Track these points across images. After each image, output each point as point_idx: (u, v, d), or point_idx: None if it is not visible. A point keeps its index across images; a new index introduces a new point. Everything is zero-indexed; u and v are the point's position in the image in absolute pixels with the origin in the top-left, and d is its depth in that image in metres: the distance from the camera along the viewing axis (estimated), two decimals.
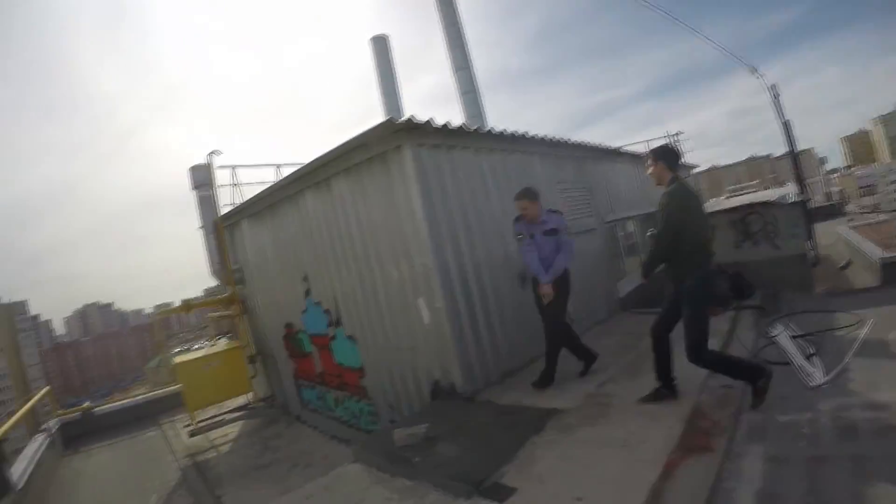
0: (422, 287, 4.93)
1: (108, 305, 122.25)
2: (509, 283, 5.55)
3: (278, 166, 9.74)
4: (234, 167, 9.74)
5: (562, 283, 4.74)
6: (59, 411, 9.82)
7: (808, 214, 11.21)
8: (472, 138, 5.53)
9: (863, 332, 4.65)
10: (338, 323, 6.32)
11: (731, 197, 20.44)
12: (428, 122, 4.76)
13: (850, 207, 38.38)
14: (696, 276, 3.64)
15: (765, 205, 8.65)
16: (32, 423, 9.74)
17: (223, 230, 8.82)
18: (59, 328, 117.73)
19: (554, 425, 3.84)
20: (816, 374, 3.89)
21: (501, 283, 5.49)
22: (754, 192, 23.24)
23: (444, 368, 4.97)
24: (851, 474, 2.61)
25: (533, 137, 6.42)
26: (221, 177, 9.36)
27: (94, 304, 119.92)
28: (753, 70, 12.35)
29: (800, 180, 12.97)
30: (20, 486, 6.14)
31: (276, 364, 8.57)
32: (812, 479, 2.63)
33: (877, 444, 2.82)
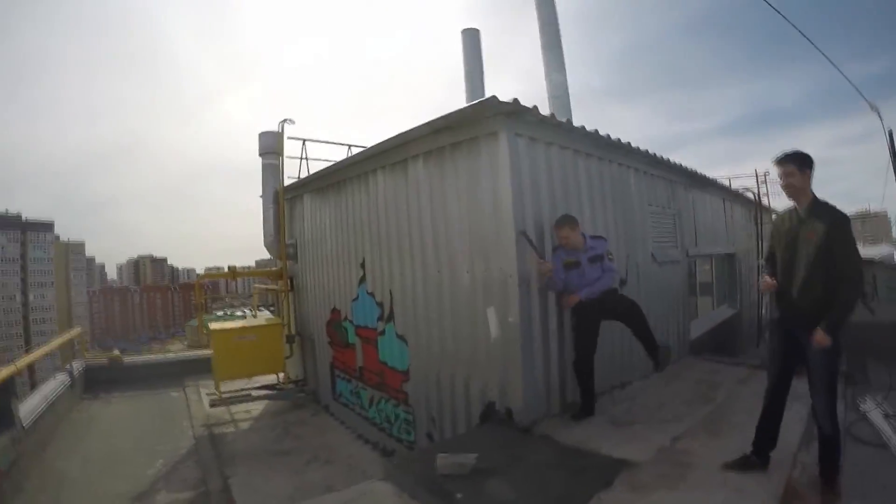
0: (496, 296, 4.32)
1: (162, 260, 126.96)
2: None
3: (350, 146, 9.34)
4: (304, 140, 9.41)
5: (595, 309, 4.39)
6: (88, 353, 9.80)
7: None
8: (573, 137, 4.93)
9: None
10: (389, 318, 5.78)
11: None
12: (534, 108, 4.17)
13: None
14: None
15: (866, 262, 7.75)
16: (69, 358, 9.74)
17: (283, 201, 8.52)
18: (112, 273, 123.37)
19: (625, 480, 3.25)
20: None
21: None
22: None
23: (504, 391, 4.34)
24: None
25: (634, 148, 5.74)
26: (291, 149, 9.03)
27: (147, 257, 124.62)
28: (874, 107, 11.20)
29: None
30: (28, 423, 5.94)
31: (313, 348, 8.18)
32: None
33: None
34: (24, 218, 76.63)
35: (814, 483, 3.08)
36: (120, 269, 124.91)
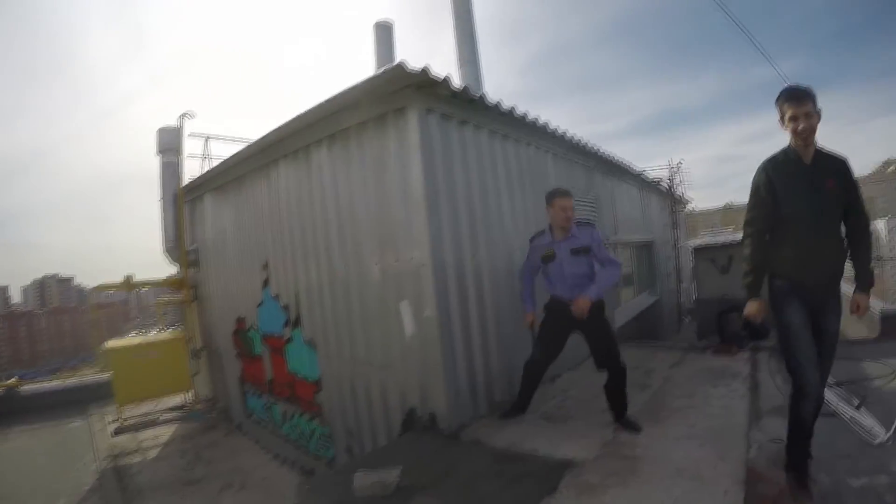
0: (409, 289, 3.86)
1: (69, 280, 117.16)
2: (510, 297, 4.52)
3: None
4: (207, 137, 8.58)
5: (565, 313, 3.72)
6: None
7: None
8: (490, 115, 4.56)
9: None
10: (296, 323, 5.18)
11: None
12: (445, 79, 3.75)
13: None
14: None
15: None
16: None
17: (183, 203, 7.68)
18: (16, 296, 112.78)
19: (571, 483, 2.89)
20: (876, 429, 3.35)
21: (503, 296, 4.47)
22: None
23: (425, 395, 3.89)
24: None
25: (554, 131, 5.47)
26: (194, 147, 8.24)
27: (53, 277, 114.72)
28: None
29: None
30: None
31: (222, 362, 7.38)
32: None
33: None
34: None
35: (774, 461, 2.89)
36: (24, 290, 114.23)
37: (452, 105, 4.12)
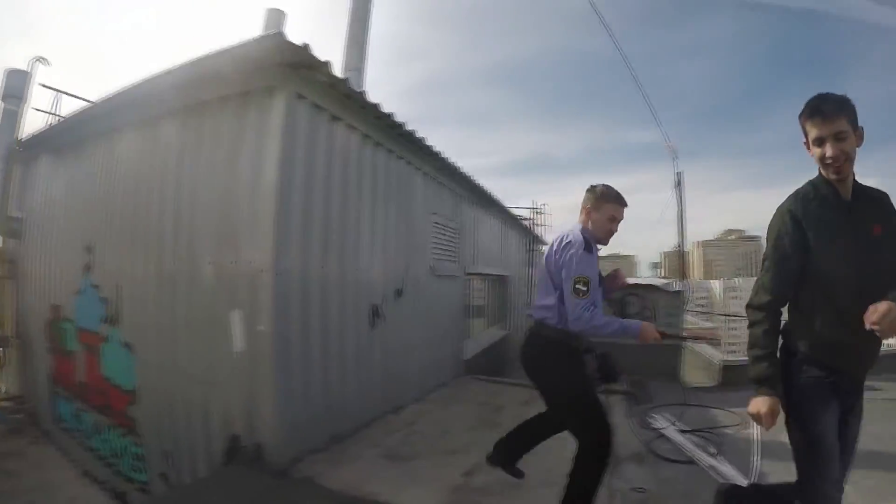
0: (244, 296, 3.32)
1: None
2: (356, 320, 4.16)
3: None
4: (59, 92, 7.42)
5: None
6: None
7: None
8: (365, 117, 4.22)
9: (754, 432, 4.16)
10: (115, 321, 4.37)
11: None
12: (326, 63, 3.32)
13: None
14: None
15: (647, 287, 8.53)
16: None
17: (15, 160, 6.51)
18: None
19: None
20: (738, 479, 3.39)
21: (349, 318, 4.08)
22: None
23: (252, 421, 3.34)
24: None
25: (428, 146, 5.27)
26: (43, 101, 7.19)
27: None
28: (674, 154, 12.77)
29: (683, 274, 13.37)
30: None
31: (33, 356, 6.24)
32: None
33: None
34: None
35: None
36: None
37: (328, 97, 3.72)
